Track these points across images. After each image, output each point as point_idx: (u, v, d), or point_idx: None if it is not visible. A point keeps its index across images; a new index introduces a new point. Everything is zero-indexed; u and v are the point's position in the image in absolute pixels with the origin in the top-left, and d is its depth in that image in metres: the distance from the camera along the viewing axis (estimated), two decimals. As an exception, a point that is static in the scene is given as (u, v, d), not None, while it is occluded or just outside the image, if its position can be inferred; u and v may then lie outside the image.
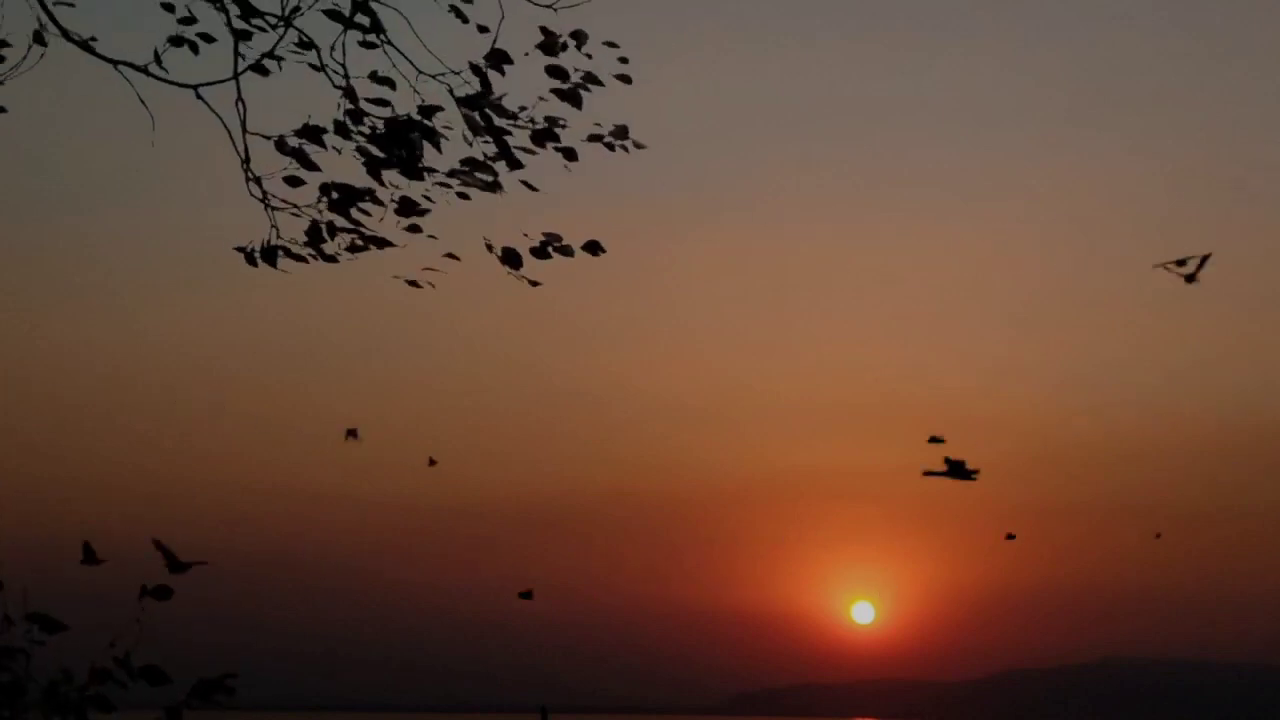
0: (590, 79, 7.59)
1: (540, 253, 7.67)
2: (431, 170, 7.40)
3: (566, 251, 7.66)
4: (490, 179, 7.41)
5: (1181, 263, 16.67)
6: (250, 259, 7.59)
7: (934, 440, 10.04)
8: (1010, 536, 15.60)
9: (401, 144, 7.28)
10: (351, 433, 10.37)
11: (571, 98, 7.57)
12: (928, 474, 12.53)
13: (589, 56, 7.58)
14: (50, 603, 6.62)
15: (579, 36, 7.56)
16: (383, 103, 7.41)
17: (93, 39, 7.42)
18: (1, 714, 6.45)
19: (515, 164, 7.48)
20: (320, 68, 7.39)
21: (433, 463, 10.45)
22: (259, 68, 7.40)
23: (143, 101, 7.56)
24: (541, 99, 7.57)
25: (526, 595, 11.08)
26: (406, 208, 7.51)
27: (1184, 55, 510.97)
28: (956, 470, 11.35)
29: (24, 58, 7.54)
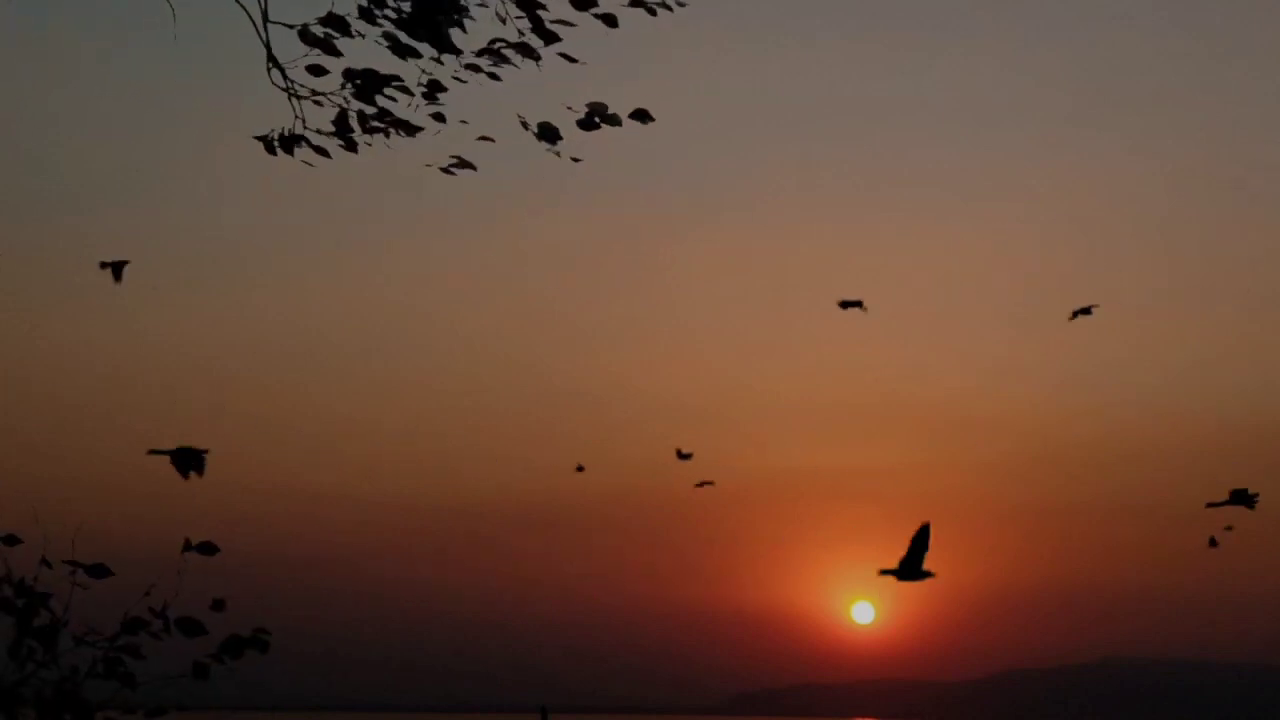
0: None
1: (587, 124, 7.46)
2: (459, 52, 7.22)
3: (614, 120, 7.44)
4: (526, 53, 7.19)
5: (1087, 311, 16.64)
6: (270, 147, 7.43)
7: (848, 304, 9.70)
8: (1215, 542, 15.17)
9: (429, 25, 7.10)
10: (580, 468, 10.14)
11: None
12: (1211, 505, 12.31)
13: None
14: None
15: None
16: None
17: None
18: (35, 657, 6.33)
19: (552, 37, 7.28)
20: None
21: (580, 469, 10.24)
22: None
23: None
24: None
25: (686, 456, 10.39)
26: (434, 90, 7.32)
27: (1184, 55, 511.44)
28: (1239, 498, 11.17)
29: None
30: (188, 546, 6.64)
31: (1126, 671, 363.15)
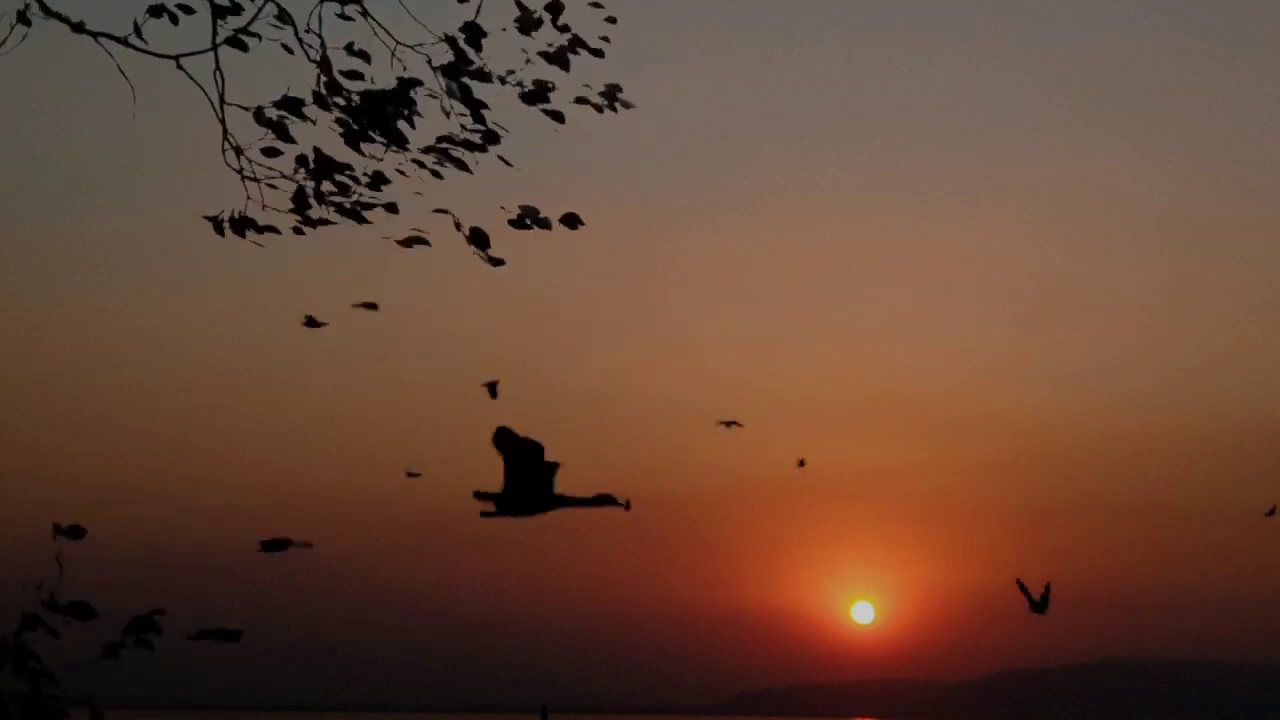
0: (577, 41, 7.56)
1: (519, 224, 7.65)
2: (405, 142, 7.42)
3: (544, 224, 7.65)
4: (468, 151, 7.42)
5: (1030, 597, 17.27)
6: (218, 228, 7.61)
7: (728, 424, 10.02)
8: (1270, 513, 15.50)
9: (378, 117, 7.31)
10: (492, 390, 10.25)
11: (559, 60, 7.54)
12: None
13: (564, 30, 7.56)
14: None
15: (554, 9, 7.55)
16: (357, 76, 7.41)
17: (81, 23, 7.41)
18: None
19: (491, 138, 7.50)
20: (292, 49, 7.39)
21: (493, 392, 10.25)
22: (236, 41, 7.42)
23: (123, 72, 7.60)
24: (528, 62, 7.55)
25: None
26: (378, 182, 7.52)
27: (1184, 55, 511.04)
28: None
29: (6, 37, 7.56)
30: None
31: (1125, 671, 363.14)
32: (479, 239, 7.55)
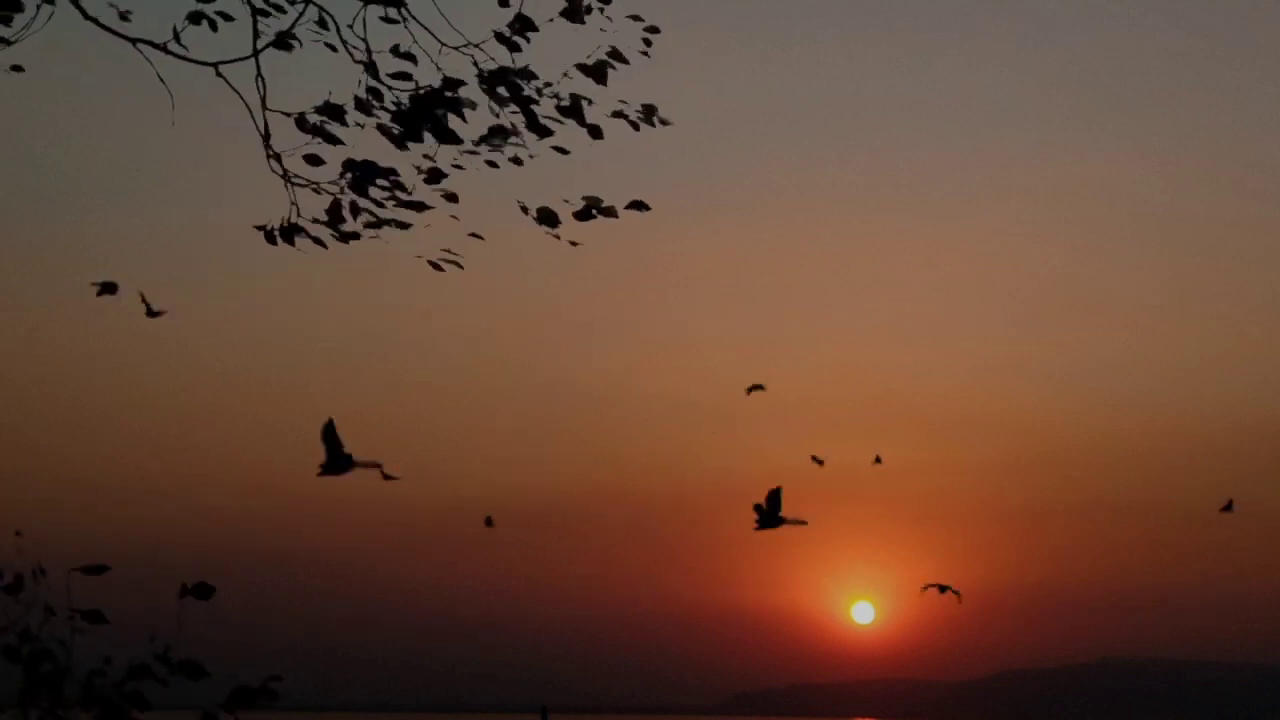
0: (616, 55, 7.52)
1: (584, 215, 7.60)
2: (458, 140, 7.37)
3: (610, 213, 7.59)
4: (519, 143, 7.38)
5: (943, 589, 17.19)
6: (270, 238, 7.54)
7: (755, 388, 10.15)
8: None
9: (426, 117, 7.25)
10: (488, 521, 10.24)
11: (596, 73, 7.50)
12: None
13: (610, 19, 7.50)
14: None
15: None
16: (405, 76, 7.36)
17: (127, 13, 7.34)
18: (41, 704, 6.44)
19: (544, 132, 7.44)
20: (336, 48, 7.34)
21: (490, 523, 10.26)
22: (280, 43, 7.35)
23: (162, 80, 7.51)
24: (566, 75, 7.51)
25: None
26: (435, 177, 7.47)
27: (1184, 55, 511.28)
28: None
29: (33, 18, 7.42)
30: (184, 591, 6.75)
31: (1125, 671, 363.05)
32: (548, 218, 7.49)
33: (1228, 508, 15.68)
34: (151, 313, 8.22)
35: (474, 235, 7.55)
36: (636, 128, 7.66)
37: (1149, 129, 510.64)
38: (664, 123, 7.69)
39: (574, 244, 7.64)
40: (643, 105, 7.66)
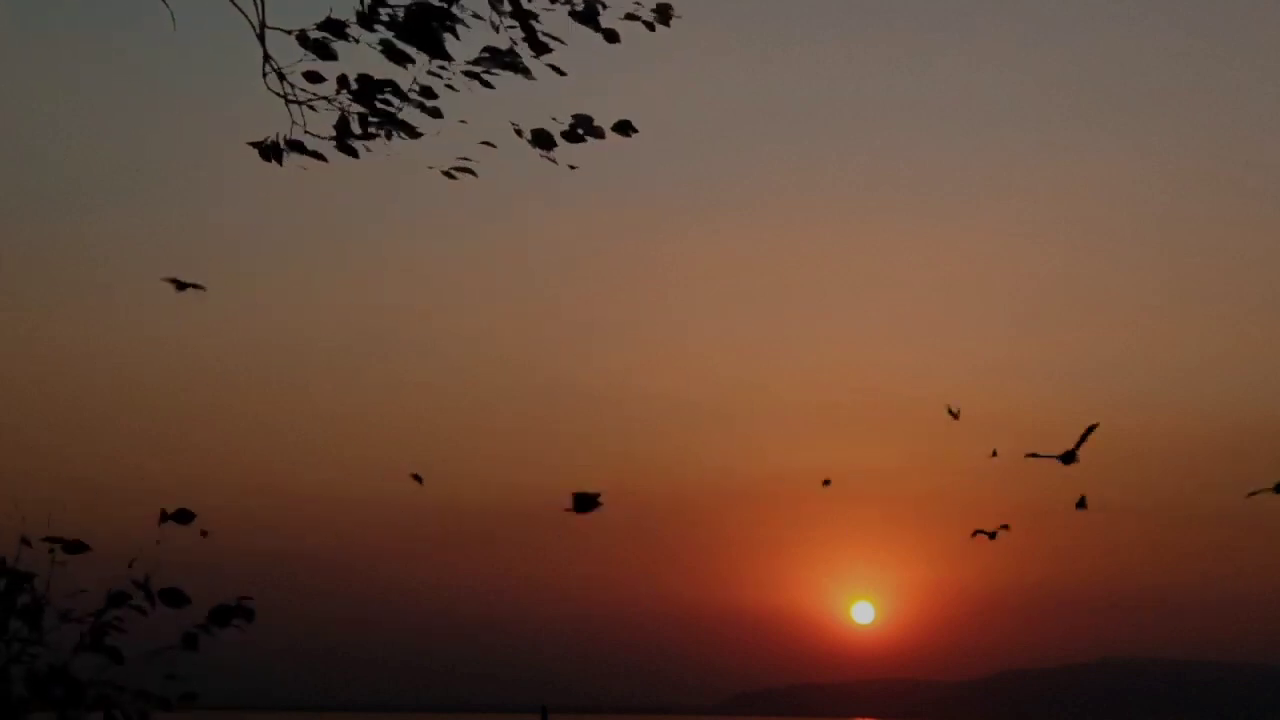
0: None
1: (571, 136, 7.58)
2: (452, 59, 7.31)
3: (597, 133, 7.56)
4: (519, 62, 7.32)
5: (992, 535, 17.00)
6: (265, 153, 7.47)
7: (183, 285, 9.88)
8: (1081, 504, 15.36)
9: (423, 32, 7.19)
10: (417, 478, 10.21)
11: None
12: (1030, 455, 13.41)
13: None
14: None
15: None
16: None
17: None
18: (20, 635, 6.37)
19: (542, 49, 7.39)
20: None
21: (418, 479, 10.15)
22: None
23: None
24: None
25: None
26: (427, 95, 7.41)
27: (1184, 55, 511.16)
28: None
29: None
30: (165, 517, 6.68)
31: (1125, 671, 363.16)
32: (543, 139, 7.45)
33: (1080, 504, 15.50)
34: (182, 286, 8.18)
35: (486, 143, 7.48)
36: (651, 28, 7.58)
37: (1149, 129, 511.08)
38: (675, 18, 7.60)
39: (572, 167, 7.60)
40: (658, 4, 7.61)
